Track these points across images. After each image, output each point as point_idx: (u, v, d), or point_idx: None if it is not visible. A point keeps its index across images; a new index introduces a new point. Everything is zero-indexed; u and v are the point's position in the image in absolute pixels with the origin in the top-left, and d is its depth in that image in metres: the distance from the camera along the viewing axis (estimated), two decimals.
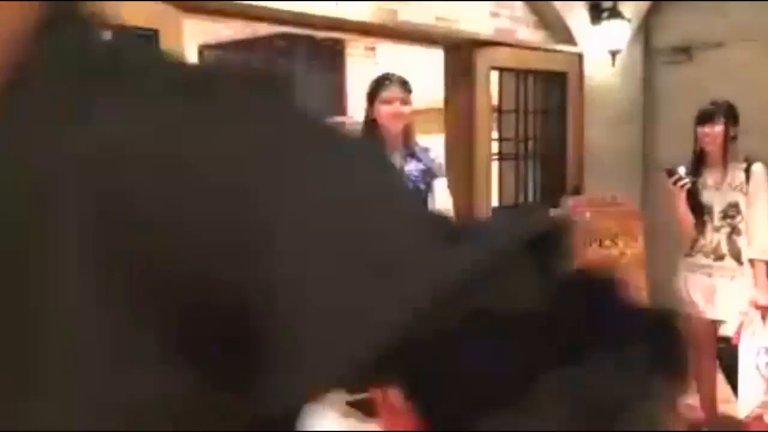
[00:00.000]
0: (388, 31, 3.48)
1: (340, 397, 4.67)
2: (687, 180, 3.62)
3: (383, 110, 2.98)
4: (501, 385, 0.36)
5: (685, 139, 3.71)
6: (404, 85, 3.04)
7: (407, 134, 3.04)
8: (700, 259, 3.58)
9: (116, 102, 0.36)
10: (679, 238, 3.75)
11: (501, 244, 0.38)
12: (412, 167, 2.99)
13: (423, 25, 3.49)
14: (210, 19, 2.80)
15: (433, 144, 3.62)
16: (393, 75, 3.07)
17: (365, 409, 4.57)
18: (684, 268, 3.66)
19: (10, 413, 0.34)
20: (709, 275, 3.55)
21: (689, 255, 3.64)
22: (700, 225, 3.57)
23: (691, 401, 3.87)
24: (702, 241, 3.58)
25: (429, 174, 3.02)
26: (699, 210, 3.56)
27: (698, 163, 3.59)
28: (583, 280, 0.42)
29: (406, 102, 3.00)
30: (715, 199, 3.52)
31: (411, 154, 3.01)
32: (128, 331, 0.34)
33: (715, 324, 3.56)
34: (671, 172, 3.68)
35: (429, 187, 2.99)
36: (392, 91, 2.98)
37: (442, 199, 3.03)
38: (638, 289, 3.62)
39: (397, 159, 2.94)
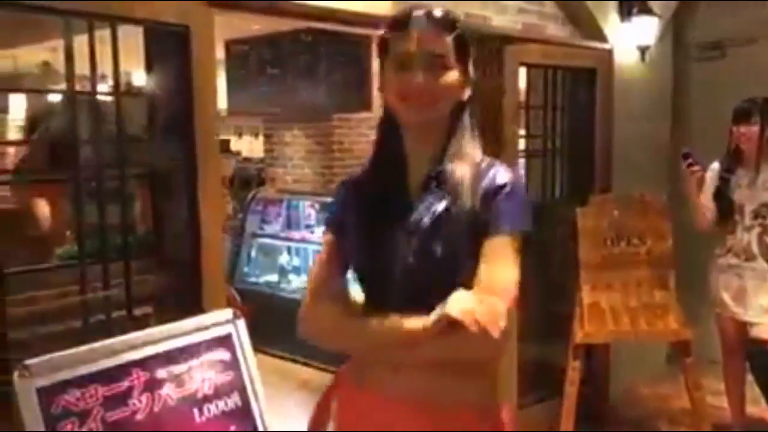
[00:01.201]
0: None
1: None
2: (698, 168, 3.55)
3: (399, 82, 1.49)
4: None
5: (716, 137, 3.66)
6: (438, 22, 1.49)
7: (441, 130, 1.53)
8: (731, 259, 3.54)
9: None
10: (697, 227, 3.66)
11: None
12: (434, 200, 1.47)
13: None
14: (239, 16, 2.80)
15: None
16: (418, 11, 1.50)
17: None
18: (715, 269, 3.62)
19: None
20: (740, 276, 3.50)
21: (720, 255, 3.60)
22: (731, 224, 3.52)
23: (719, 402, 3.83)
24: (732, 241, 3.53)
25: (474, 215, 1.44)
26: (730, 209, 3.51)
27: (732, 161, 3.54)
28: None
29: (441, 67, 1.48)
30: (747, 198, 3.48)
31: (439, 173, 1.49)
32: None
33: (746, 325, 3.52)
34: (687, 156, 3.60)
35: (471, 238, 1.44)
36: (410, 41, 1.48)
37: (494, 268, 1.42)
38: (667, 288, 3.58)
39: (412, 190, 1.53)
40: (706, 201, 3.57)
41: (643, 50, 4.32)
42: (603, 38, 4.21)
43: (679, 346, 3.61)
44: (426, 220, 1.46)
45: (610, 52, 4.21)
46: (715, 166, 3.60)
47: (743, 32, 4.54)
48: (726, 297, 3.55)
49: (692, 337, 3.53)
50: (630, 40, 4.28)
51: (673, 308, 3.55)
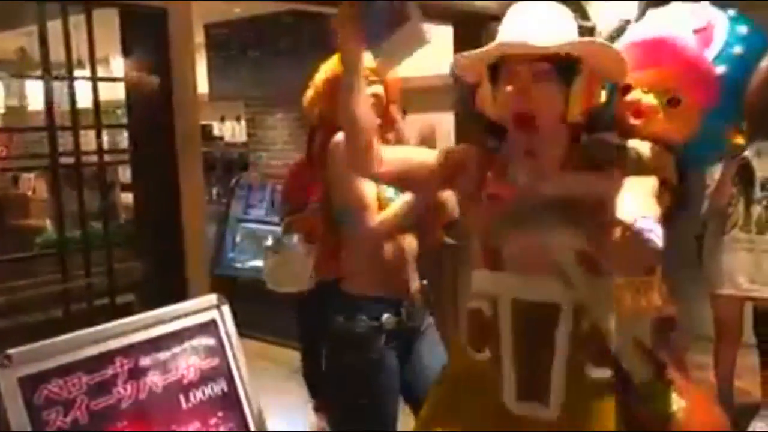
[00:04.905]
0: None
1: None
2: None
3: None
4: None
5: None
6: None
7: None
8: (740, 234, 3.46)
9: None
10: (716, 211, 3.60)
11: None
12: None
13: (432, 1, 3.44)
14: None
15: (444, 120, 3.57)
16: None
17: None
18: (725, 245, 3.49)
19: None
20: (751, 250, 3.42)
21: (727, 232, 3.49)
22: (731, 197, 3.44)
23: (704, 376, 3.86)
24: (737, 215, 3.45)
25: None
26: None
27: None
28: None
29: None
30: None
31: None
32: None
33: (742, 302, 3.52)
34: None
35: None
36: None
37: None
38: None
39: None
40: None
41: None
42: (585, 16, 4.18)
43: (662, 322, 3.62)
44: None
45: (591, 29, 4.18)
46: None
47: (728, 6, 4.52)
48: (738, 275, 3.44)
49: (675, 314, 3.53)
50: (612, 17, 4.26)
51: (657, 285, 3.54)
